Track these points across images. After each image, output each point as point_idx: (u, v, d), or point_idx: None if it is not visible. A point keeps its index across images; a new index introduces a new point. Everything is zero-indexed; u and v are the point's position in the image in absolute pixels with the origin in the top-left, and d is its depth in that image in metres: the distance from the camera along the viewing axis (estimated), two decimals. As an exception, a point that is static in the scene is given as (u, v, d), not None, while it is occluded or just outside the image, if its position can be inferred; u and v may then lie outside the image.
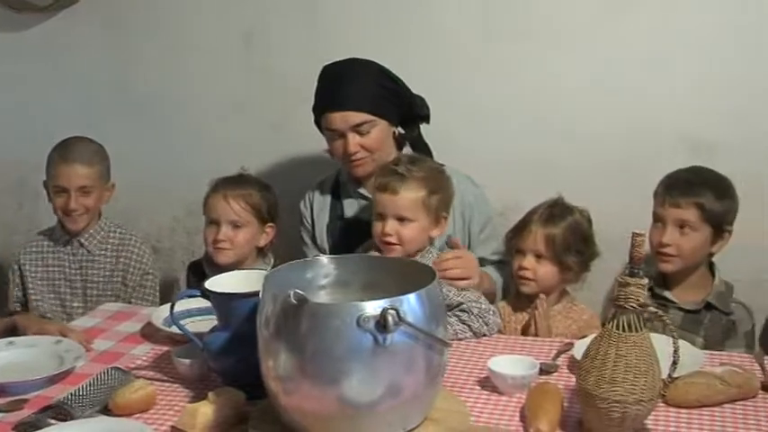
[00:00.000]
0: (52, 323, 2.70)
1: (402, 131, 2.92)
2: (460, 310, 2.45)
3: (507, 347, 2.39)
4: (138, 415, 1.98)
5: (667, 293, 2.73)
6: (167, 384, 2.17)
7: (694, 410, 1.98)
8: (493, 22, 3.30)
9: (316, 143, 3.00)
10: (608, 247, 2.81)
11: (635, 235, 1.79)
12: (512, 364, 2.12)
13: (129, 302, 3.13)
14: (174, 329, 2.25)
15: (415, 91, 2.91)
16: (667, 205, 2.67)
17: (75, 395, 2.00)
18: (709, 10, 3.09)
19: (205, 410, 1.87)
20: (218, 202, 2.91)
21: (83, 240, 3.20)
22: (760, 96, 3.08)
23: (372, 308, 1.66)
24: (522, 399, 2.00)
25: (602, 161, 3.26)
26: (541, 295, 2.66)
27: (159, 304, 3.06)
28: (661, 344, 1.91)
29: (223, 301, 2.04)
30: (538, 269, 2.69)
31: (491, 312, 2.49)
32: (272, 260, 3.01)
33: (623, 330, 1.80)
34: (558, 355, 2.30)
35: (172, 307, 2.13)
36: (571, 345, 2.32)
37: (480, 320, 2.45)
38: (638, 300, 1.80)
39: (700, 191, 2.64)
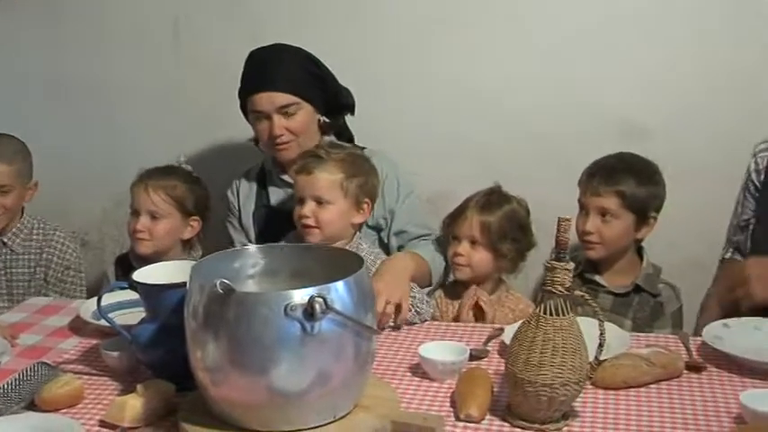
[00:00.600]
0: None
1: (328, 120, 2.91)
2: None
3: (438, 334, 2.40)
4: (65, 410, 1.95)
5: (597, 278, 2.78)
6: (96, 378, 2.14)
7: (621, 391, 2.01)
8: (423, 7, 3.31)
9: (246, 132, 2.99)
10: (545, 234, 2.84)
11: (561, 220, 1.80)
12: (442, 350, 2.13)
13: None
14: (103, 322, 2.22)
15: (344, 78, 2.91)
16: (589, 194, 2.72)
17: (-1, 391, 1.96)
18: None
19: (133, 403, 1.85)
20: (140, 192, 2.90)
21: (5, 239, 3.15)
22: (694, 82, 3.13)
23: (300, 296, 1.65)
24: (453, 385, 2.02)
25: (536, 148, 3.29)
26: (473, 286, 2.67)
27: (89, 298, 3.01)
28: (589, 327, 1.93)
29: (151, 293, 2.02)
30: (472, 255, 2.69)
31: (424, 302, 2.51)
32: (201, 253, 2.99)
33: (550, 314, 1.82)
34: (488, 341, 2.32)
35: (99, 299, 2.09)
36: (501, 330, 2.34)
37: (412, 310, 2.46)
38: (564, 284, 1.82)
39: (620, 178, 2.68)
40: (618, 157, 2.77)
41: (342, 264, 1.84)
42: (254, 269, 1.97)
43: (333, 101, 2.89)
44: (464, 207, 2.76)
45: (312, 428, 1.74)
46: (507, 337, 2.16)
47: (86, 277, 3.32)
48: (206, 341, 1.72)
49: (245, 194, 3.00)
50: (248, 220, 2.98)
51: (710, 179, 3.11)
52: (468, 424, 1.86)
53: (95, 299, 2.15)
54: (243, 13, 3.46)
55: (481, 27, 3.25)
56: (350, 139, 3.02)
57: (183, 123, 3.59)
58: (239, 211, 3.01)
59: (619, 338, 2.22)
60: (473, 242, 2.69)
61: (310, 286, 1.68)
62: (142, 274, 2.07)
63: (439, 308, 2.72)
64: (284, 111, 2.78)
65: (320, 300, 1.64)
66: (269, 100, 2.77)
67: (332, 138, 2.94)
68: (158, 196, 2.88)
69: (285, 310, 1.64)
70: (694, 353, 2.22)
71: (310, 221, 2.55)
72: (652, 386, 2.04)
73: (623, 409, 1.94)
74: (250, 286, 1.95)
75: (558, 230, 1.80)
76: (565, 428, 1.85)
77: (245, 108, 2.88)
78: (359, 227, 2.69)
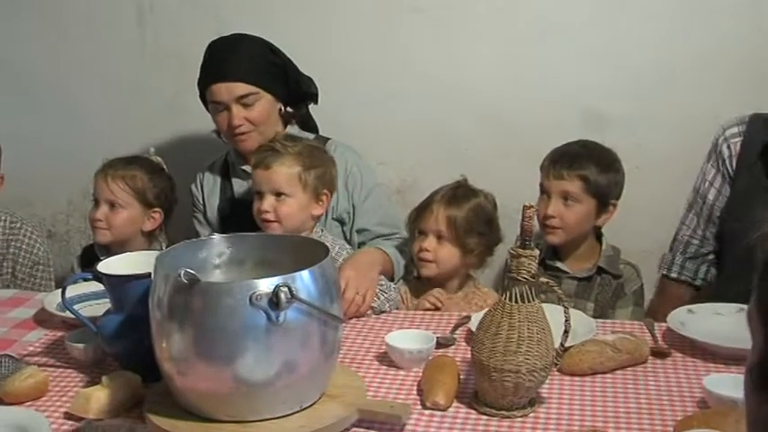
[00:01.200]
0: None
1: (290, 110, 2.90)
2: None
3: (405, 322, 2.41)
4: (30, 403, 1.93)
5: (559, 264, 2.79)
6: (61, 370, 2.12)
7: (587, 378, 2.03)
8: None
9: (211, 122, 2.97)
10: (510, 221, 2.84)
11: (525, 207, 1.81)
12: (409, 338, 2.14)
13: (21, 293, 3.06)
14: (68, 314, 2.20)
15: (307, 67, 2.90)
16: (552, 177, 2.72)
17: (-38, 385, 1.94)
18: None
19: (99, 395, 1.84)
20: (100, 181, 2.90)
21: None
22: (655, 72, 3.15)
23: (265, 285, 1.65)
24: (420, 373, 2.02)
25: (502, 136, 3.30)
26: (436, 290, 2.64)
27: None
28: (554, 314, 1.94)
29: (115, 284, 2.01)
30: (439, 250, 2.64)
31: (392, 288, 2.52)
32: (164, 245, 2.97)
33: (516, 302, 1.83)
34: (455, 329, 2.32)
35: (63, 291, 2.08)
36: (468, 318, 2.34)
37: (383, 296, 2.47)
38: (529, 271, 1.83)
39: (584, 164, 2.69)
40: (580, 144, 2.79)
41: (307, 253, 1.84)
42: (219, 259, 1.96)
43: (294, 90, 2.88)
44: (430, 201, 2.71)
45: (279, 418, 1.74)
46: (474, 324, 2.17)
47: (53, 269, 3.29)
48: (171, 332, 1.72)
49: (209, 188, 2.99)
50: (213, 214, 2.97)
51: (671, 168, 3.13)
52: (435, 412, 1.87)
53: (60, 290, 2.13)
54: (207, 1, 3.44)
55: (445, 15, 3.25)
56: (314, 128, 3.01)
57: (149, 114, 3.57)
58: (204, 205, 2.99)
59: (584, 325, 2.23)
60: (439, 237, 2.65)
61: (276, 275, 1.68)
62: (107, 265, 2.05)
63: (404, 304, 2.68)
64: (243, 101, 2.76)
65: (285, 289, 1.64)
66: (227, 90, 2.76)
67: (295, 127, 2.93)
68: (117, 186, 2.88)
69: (250, 299, 1.64)
70: (659, 338, 2.24)
71: (270, 216, 2.55)
72: (618, 372, 2.06)
73: (589, 395, 1.95)
74: (216, 276, 1.94)
75: (523, 217, 1.81)
76: (531, 415, 1.86)
77: (204, 98, 2.86)
78: (318, 218, 2.69)
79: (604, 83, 3.20)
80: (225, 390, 1.70)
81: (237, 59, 2.78)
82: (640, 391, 1.96)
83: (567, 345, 1.93)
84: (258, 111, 2.78)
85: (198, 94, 2.89)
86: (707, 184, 2.77)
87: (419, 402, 1.91)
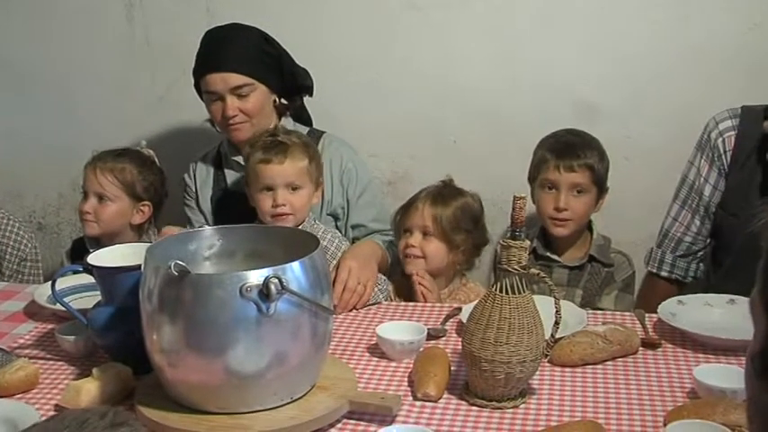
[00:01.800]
0: None
1: (285, 102, 2.90)
2: None
3: (396, 314, 2.41)
4: (20, 395, 1.93)
5: (549, 253, 2.79)
6: (51, 363, 2.12)
7: (578, 369, 2.03)
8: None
9: (203, 114, 2.96)
10: (500, 212, 2.85)
11: (516, 198, 1.81)
12: (400, 330, 2.14)
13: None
14: (58, 307, 2.20)
15: (300, 60, 2.89)
16: (562, 170, 2.71)
17: (-48, 378, 1.94)
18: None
19: (89, 387, 1.84)
20: (89, 173, 2.90)
21: None
22: (645, 62, 3.15)
23: (255, 277, 1.65)
24: (411, 364, 2.02)
25: (493, 128, 3.29)
26: (417, 272, 2.62)
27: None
28: (545, 305, 1.95)
29: (106, 276, 2.00)
30: (425, 246, 2.63)
31: (383, 280, 2.53)
32: (154, 238, 2.95)
33: (506, 293, 1.83)
34: (446, 320, 2.32)
35: (53, 283, 2.08)
36: (459, 309, 2.34)
37: (377, 288, 2.48)
38: (520, 262, 1.83)
39: (587, 153, 2.71)
40: (573, 132, 2.79)
41: (298, 244, 1.83)
42: (210, 251, 1.96)
43: (289, 82, 2.87)
44: (415, 199, 2.71)
45: (270, 409, 1.74)
46: (465, 316, 2.17)
47: (43, 261, 3.29)
48: (161, 323, 1.72)
49: (201, 178, 2.98)
50: (206, 204, 2.96)
51: (660, 159, 3.14)
52: (426, 403, 1.87)
53: (50, 283, 2.12)
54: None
55: (437, 8, 3.25)
56: (308, 121, 3.00)
57: (139, 107, 3.56)
58: (197, 194, 2.99)
59: (575, 316, 2.24)
60: (425, 233, 2.64)
61: (266, 267, 1.68)
62: (97, 257, 2.05)
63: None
64: (237, 92, 2.75)
65: (276, 280, 1.64)
66: (222, 80, 2.75)
67: (289, 119, 2.92)
68: (106, 178, 2.87)
69: (240, 291, 1.64)
70: (650, 329, 2.24)
71: (286, 209, 2.54)
72: (608, 363, 2.06)
73: (580, 386, 1.96)
74: (207, 268, 1.94)
75: (514, 208, 1.81)
76: (522, 406, 1.86)
77: (199, 87, 2.85)
78: (315, 205, 2.70)
79: (596, 76, 3.20)
80: (216, 381, 1.70)
81: (233, 50, 2.77)
82: (631, 382, 1.97)
83: (557, 336, 1.93)
84: (252, 102, 2.77)
85: (192, 83, 2.87)
86: (701, 179, 2.75)
87: (410, 394, 1.92)
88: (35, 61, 3.61)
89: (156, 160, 3.02)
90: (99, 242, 2.87)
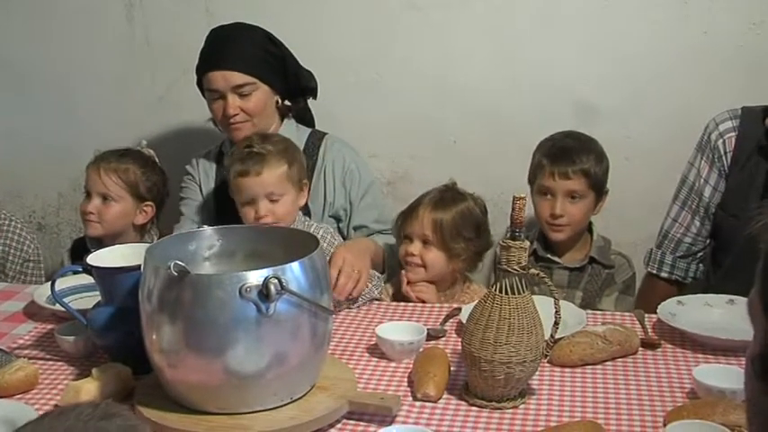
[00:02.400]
0: None
1: (288, 104, 2.89)
2: None
3: (396, 314, 2.41)
4: (19, 395, 1.93)
5: (550, 255, 2.79)
6: (51, 363, 2.12)
7: (578, 369, 2.03)
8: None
9: (203, 114, 2.96)
10: (500, 212, 2.84)
11: (515, 198, 1.81)
12: (399, 330, 2.14)
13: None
14: (58, 307, 2.20)
15: (299, 60, 2.88)
16: (557, 177, 2.70)
17: (-49, 378, 1.94)
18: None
19: (89, 387, 1.84)
20: (92, 173, 2.89)
21: None
22: (645, 63, 3.15)
23: (255, 277, 1.65)
24: (410, 364, 2.02)
25: (493, 128, 3.29)
26: (412, 286, 2.60)
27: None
28: (545, 305, 1.95)
29: (105, 276, 2.00)
30: (425, 255, 2.59)
31: (376, 277, 2.53)
32: (156, 238, 2.96)
33: (506, 293, 1.83)
34: (446, 320, 2.32)
35: (53, 284, 2.08)
36: (459, 310, 2.34)
37: (370, 284, 2.47)
38: (519, 262, 1.83)
39: (583, 158, 2.69)
40: (570, 136, 2.78)
41: (298, 244, 1.84)
42: (210, 251, 1.96)
43: (293, 83, 2.86)
44: (416, 205, 2.66)
45: (269, 410, 1.75)
46: (464, 316, 2.17)
47: (43, 261, 3.28)
48: (161, 324, 1.72)
49: (204, 172, 2.95)
50: (209, 199, 2.94)
51: (660, 159, 3.13)
52: (426, 403, 1.87)
53: (50, 283, 2.12)
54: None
55: (437, 8, 3.25)
56: (311, 122, 2.99)
57: (139, 108, 3.55)
58: (200, 186, 2.95)
59: (575, 316, 2.24)
60: (425, 242, 2.60)
61: (266, 267, 1.68)
62: (96, 258, 2.05)
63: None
64: (239, 91, 2.74)
65: (275, 281, 1.64)
66: (223, 79, 2.74)
67: (291, 121, 2.91)
68: (110, 179, 2.87)
69: (240, 291, 1.64)
70: (650, 330, 2.24)
71: (268, 220, 2.52)
72: (608, 363, 2.06)
73: (579, 386, 1.96)
74: (206, 268, 1.94)
75: (513, 209, 1.81)
76: (522, 406, 1.86)
77: (201, 86, 2.85)
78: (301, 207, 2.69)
79: (596, 76, 3.20)
80: (215, 382, 1.70)
81: (236, 48, 2.76)
82: (630, 382, 1.97)
83: (557, 336, 1.93)
84: (254, 101, 2.76)
85: (193, 82, 2.86)
86: (702, 180, 2.74)
87: (410, 394, 1.92)
88: (35, 61, 3.61)
89: (157, 160, 3.02)
90: (101, 242, 2.85)
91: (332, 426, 1.77)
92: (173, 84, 3.45)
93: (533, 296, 1.90)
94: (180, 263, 1.66)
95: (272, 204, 2.53)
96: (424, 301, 2.54)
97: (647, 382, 1.97)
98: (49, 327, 2.32)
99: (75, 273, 2.20)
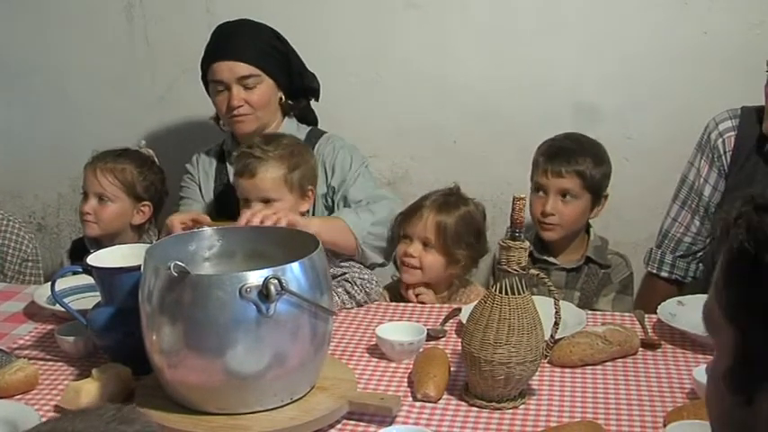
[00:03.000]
0: None
1: (290, 102, 2.89)
2: (344, 280, 2.46)
3: (396, 314, 2.41)
4: (20, 396, 1.93)
5: (547, 256, 2.78)
6: (51, 363, 2.12)
7: (577, 369, 2.03)
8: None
9: (203, 114, 2.96)
10: (500, 212, 2.84)
11: (515, 199, 1.81)
12: (399, 330, 2.14)
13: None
14: (58, 307, 2.20)
15: (303, 60, 2.88)
16: (550, 175, 2.69)
17: (-49, 378, 1.94)
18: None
19: (89, 388, 1.84)
20: (89, 174, 2.89)
21: None
22: (644, 65, 3.15)
23: (255, 278, 1.65)
24: (410, 365, 2.03)
25: (493, 129, 3.29)
26: (414, 292, 2.58)
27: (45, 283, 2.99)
28: (545, 306, 1.95)
29: (105, 277, 2.01)
30: (424, 257, 2.55)
31: (373, 282, 2.51)
32: (154, 238, 2.95)
33: (506, 293, 1.83)
34: (446, 321, 2.32)
35: (53, 284, 2.08)
36: (459, 310, 2.34)
37: (363, 291, 2.47)
38: (519, 263, 1.83)
39: (579, 159, 2.68)
40: (571, 138, 2.77)
41: (298, 245, 1.84)
42: (210, 251, 1.96)
43: (297, 82, 2.86)
44: (420, 206, 2.62)
45: (269, 410, 1.75)
46: (464, 316, 2.17)
47: (43, 262, 3.28)
48: (161, 324, 1.72)
49: (204, 169, 2.94)
50: (209, 197, 2.93)
51: (660, 160, 3.13)
52: (426, 403, 1.88)
53: (50, 283, 2.12)
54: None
55: (436, 9, 3.25)
56: (314, 122, 2.99)
57: (139, 107, 3.55)
58: (199, 184, 2.95)
59: (575, 317, 2.24)
60: (426, 244, 2.56)
61: (266, 268, 1.68)
62: (97, 258, 2.05)
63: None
64: (244, 82, 2.73)
65: (275, 281, 1.64)
66: (229, 69, 2.73)
67: (293, 120, 2.91)
68: (106, 179, 2.87)
69: (240, 291, 1.64)
70: (650, 330, 2.24)
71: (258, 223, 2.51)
72: (608, 364, 2.06)
73: (579, 386, 1.96)
74: (206, 269, 1.94)
75: (513, 209, 1.82)
76: (521, 407, 1.87)
77: (206, 80, 2.84)
78: (306, 214, 2.62)
79: (596, 77, 3.20)
80: (215, 382, 1.71)
81: (242, 40, 2.76)
82: (630, 383, 1.97)
83: (557, 336, 1.94)
84: (258, 94, 2.76)
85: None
86: (701, 180, 2.74)
87: (410, 394, 1.92)
88: (35, 61, 3.61)
89: (156, 160, 3.02)
90: (99, 243, 2.86)
91: (332, 426, 1.78)
92: (173, 84, 3.45)
93: (534, 297, 1.91)
94: (180, 263, 1.66)
95: (266, 207, 2.47)
96: (423, 303, 2.54)
97: (647, 383, 1.97)
98: (50, 327, 2.32)
99: (76, 273, 2.20)
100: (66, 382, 1.98)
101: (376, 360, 2.11)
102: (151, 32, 3.49)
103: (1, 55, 3.64)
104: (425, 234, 2.55)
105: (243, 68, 2.73)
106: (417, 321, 2.29)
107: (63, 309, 2.11)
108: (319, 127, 2.97)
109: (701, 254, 2.83)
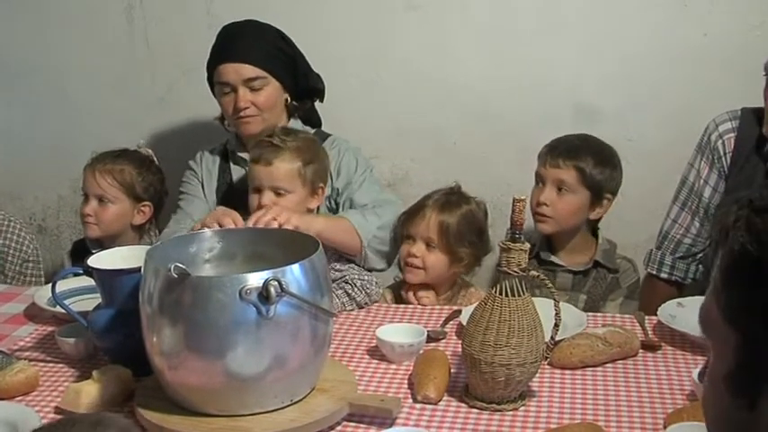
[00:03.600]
0: None
1: (296, 104, 2.89)
2: (344, 282, 2.46)
3: (396, 316, 2.41)
4: (20, 397, 1.93)
5: (553, 258, 2.78)
6: (51, 365, 2.12)
7: (578, 371, 2.03)
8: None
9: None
10: (501, 214, 2.84)
11: (516, 200, 1.81)
12: (400, 332, 2.14)
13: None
14: (59, 309, 2.20)
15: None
16: (548, 165, 2.70)
17: (-48, 380, 1.94)
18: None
19: (89, 389, 1.84)
20: (88, 175, 2.90)
21: None
22: (645, 66, 3.15)
23: (255, 279, 1.65)
24: (411, 367, 2.03)
25: (493, 130, 3.29)
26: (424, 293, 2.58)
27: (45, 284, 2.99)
28: (546, 307, 1.94)
29: (106, 278, 2.01)
30: (427, 257, 2.55)
31: (373, 284, 2.51)
32: (155, 238, 2.95)
33: (506, 295, 1.83)
34: (446, 322, 2.32)
35: (53, 286, 2.08)
36: (459, 312, 2.34)
37: (363, 292, 2.47)
38: (519, 264, 1.83)
39: (581, 155, 2.68)
40: (581, 137, 2.76)
41: (298, 247, 1.84)
42: (210, 253, 1.96)
43: (302, 83, 2.85)
44: (422, 205, 2.61)
45: (270, 412, 1.75)
46: (465, 318, 2.16)
47: (43, 263, 3.28)
48: (162, 326, 1.72)
49: (207, 167, 2.93)
50: (212, 196, 2.93)
51: (661, 161, 3.13)
52: (426, 405, 1.88)
53: (50, 285, 2.13)
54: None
55: (437, 10, 3.25)
56: (317, 123, 2.99)
57: (139, 107, 3.55)
58: (202, 183, 2.94)
59: (575, 318, 2.24)
60: (429, 244, 2.55)
61: (266, 269, 1.68)
62: (97, 260, 2.05)
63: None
64: (250, 84, 2.73)
65: (275, 283, 1.64)
66: (235, 71, 2.73)
67: (297, 121, 2.91)
68: (105, 180, 2.87)
69: (240, 293, 1.64)
70: (650, 332, 2.24)
71: None
72: (608, 365, 2.06)
73: (580, 388, 1.96)
74: (206, 270, 1.94)
75: (514, 210, 1.81)
76: (522, 408, 1.87)
77: (212, 81, 2.84)
78: (312, 211, 2.63)
79: (597, 78, 3.20)
80: (215, 384, 1.71)
81: (248, 42, 2.76)
82: (631, 384, 1.97)
83: (557, 338, 1.94)
84: (265, 96, 2.75)
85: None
86: (701, 181, 2.74)
87: (410, 396, 1.92)
88: (35, 62, 3.61)
89: (156, 160, 3.02)
90: (101, 243, 2.88)
91: (332, 428, 1.78)
92: (173, 85, 3.45)
93: (535, 299, 1.91)
94: (180, 265, 1.66)
95: (276, 198, 2.49)
96: (424, 305, 2.54)
97: (648, 384, 1.97)
98: (50, 329, 2.32)
99: (76, 275, 2.21)
100: (66, 384, 1.98)
101: (376, 362, 2.11)
102: (151, 33, 3.49)
103: (1, 55, 3.64)
104: (428, 234, 2.54)
105: (249, 70, 2.73)
106: (417, 323, 2.29)
107: (64, 310, 2.11)
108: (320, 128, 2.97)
109: (700, 255, 2.83)
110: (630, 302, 2.75)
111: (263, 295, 1.64)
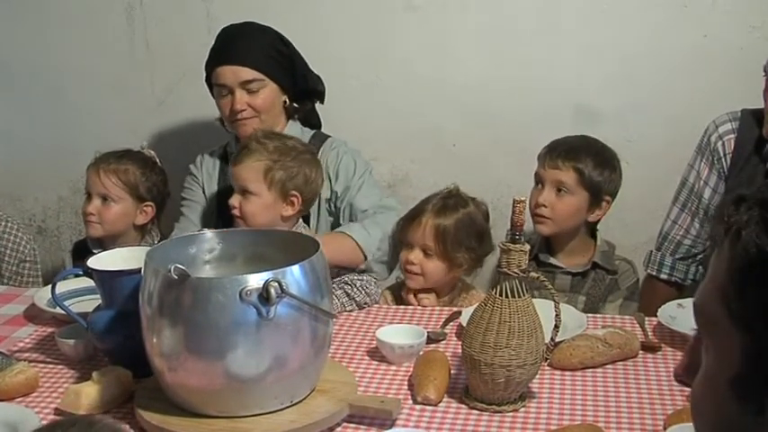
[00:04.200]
0: None
1: (295, 105, 2.89)
2: (344, 283, 2.46)
3: (396, 317, 2.41)
4: (20, 399, 1.93)
5: (552, 259, 2.77)
6: (51, 366, 2.12)
7: (578, 372, 2.03)
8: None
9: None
10: (501, 215, 2.83)
11: (515, 201, 1.81)
12: (400, 333, 2.14)
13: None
14: (59, 310, 2.20)
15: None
16: (547, 166, 2.69)
17: (-48, 381, 1.94)
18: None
19: (89, 391, 1.84)
20: (92, 174, 2.90)
21: None
22: (645, 67, 3.16)
23: (255, 280, 1.65)
24: (411, 368, 2.03)
25: (493, 131, 3.29)
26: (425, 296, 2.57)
27: (45, 285, 2.98)
28: (545, 309, 1.94)
29: (106, 279, 2.00)
30: (425, 264, 2.53)
31: (372, 284, 2.51)
32: (157, 239, 2.96)
33: (506, 296, 1.83)
34: (446, 324, 2.32)
35: (53, 287, 2.07)
36: (459, 313, 2.34)
37: (363, 292, 2.47)
38: (519, 265, 1.83)
39: (581, 156, 2.67)
40: (581, 138, 2.76)
41: (298, 248, 1.84)
42: (210, 254, 1.96)
43: (301, 84, 2.86)
44: (419, 211, 2.59)
45: (270, 413, 1.75)
46: (465, 319, 2.16)
47: (43, 265, 3.28)
48: (161, 327, 1.72)
49: (208, 171, 2.94)
50: (212, 199, 2.93)
51: (661, 163, 3.13)
52: (426, 406, 1.88)
53: (50, 286, 2.12)
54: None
55: (437, 11, 3.25)
56: (317, 125, 2.98)
57: (139, 109, 3.55)
58: (203, 186, 2.94)
59: (575, 319, 2.23)
60: (426, 251, 2.54)
61: (266, 270, 1.68)
62: (97, 261, 2.05)
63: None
64: (247, 86, 2.74)
65: (275, 284, 1.64)
66: (232, 73, 2.74)
67: (297, 123, 2.91)
68: (109, 180, 2.87)
69: (240, 294, 1.64)
70: (650, 333, 2.24)
71: (236, 212, 2.53)
72: (608, 366, 2.06)
73: (580, 389, 1.96)
74: (206, 271, 1.94)
75: (514, 212, 1.81)
76: (522, 409, 1.87)
77: (210, 83, 2.85)
78: (294, 219, 2.62)
79: (596, 79, 3.20)
80: (215, 385, 1.71)
81: (246, 45, 2.77)
82: (631, 386, 1.97)
83: (557, 339, 1.94)
84: (262, 98, 2.76)
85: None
86: (701, 182, 2.74)
87: (410, 397, 1.92)
88: (35, 64, 3.61)
89: (158, 161, 3.02)
90: (102, 243, 2.88)
91: (332, 429, 1.78)
92: (173, 86, 3.45)
93: (535, 300, 1.91)
94: (180, 266, 1.66)
95: (242, 198, 2.53)
96: (424, 306, 2.54)
97: (648, 386, 1.97)
98: (50, 330, 2.32)
99: (76, 276, 2.20)
100: (66, 385, 1.97)
101: (376, 363, 2.11)
102: (151, 35, 3.49)
103: (1, 55, 3.64)
104: (425, 241, 2.53)
105: (246, 73, 2.74)
106: (417, 324, 2.29)
107: (63, 311, 2.11)
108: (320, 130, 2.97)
109: (700, 256, 2.83)
110: (630, 304, 2.74)
111: (264, 296, 1.64)
